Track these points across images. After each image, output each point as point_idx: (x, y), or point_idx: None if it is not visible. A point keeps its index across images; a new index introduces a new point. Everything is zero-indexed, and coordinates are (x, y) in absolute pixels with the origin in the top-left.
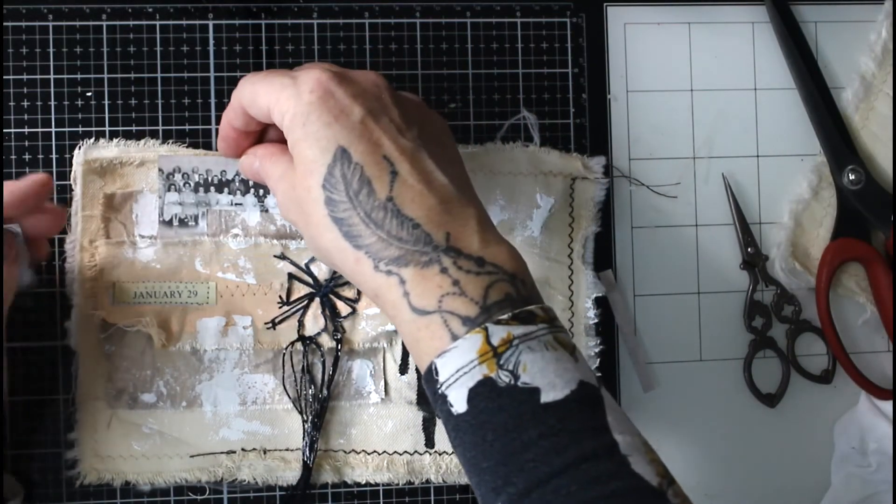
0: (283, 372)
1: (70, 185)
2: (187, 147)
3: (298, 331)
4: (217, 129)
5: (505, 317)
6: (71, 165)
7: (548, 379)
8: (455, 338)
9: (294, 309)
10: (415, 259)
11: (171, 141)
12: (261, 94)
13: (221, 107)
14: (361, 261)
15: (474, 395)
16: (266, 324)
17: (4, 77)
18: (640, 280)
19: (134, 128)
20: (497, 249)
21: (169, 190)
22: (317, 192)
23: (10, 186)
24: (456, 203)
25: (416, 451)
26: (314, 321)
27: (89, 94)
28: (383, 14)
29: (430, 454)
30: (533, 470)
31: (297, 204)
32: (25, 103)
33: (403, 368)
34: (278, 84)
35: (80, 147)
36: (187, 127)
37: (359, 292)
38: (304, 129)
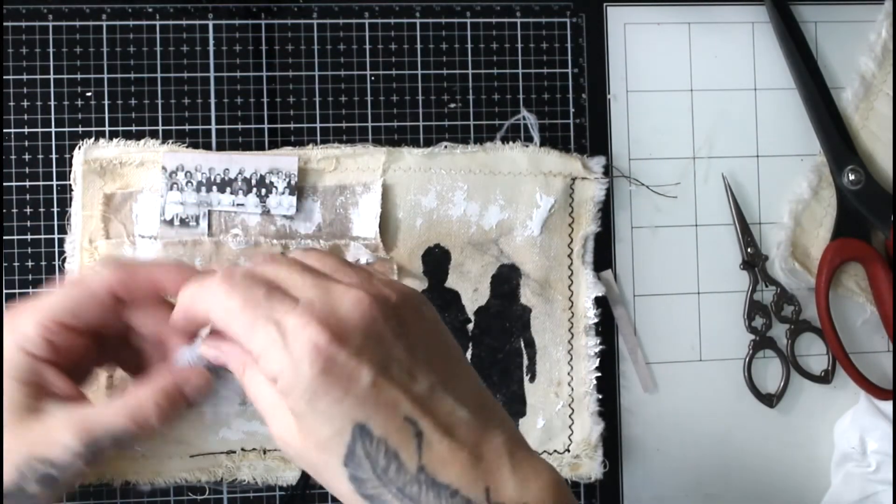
0: None
1: (70, 185)
2: (187, 147)
3: None
4: (217, 129)
5: None
6: (71, 165)
7: None
8: None
9: None
10: None
11: (171, 141)
12: (237, 331)
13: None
14: None
15: None
16: None
17: (4, 77)
18: (640, 280)
19: (134, 128)
20: (537, 482)
21: (171, 189)
22: (336, 468)
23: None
24: (484, 440)
25: None
26: None
27: (89, 94)
28: (383, 14)
29: None
30: None
31: (306, 457)
32: (25, 103)
33: None
34: (263, 334)
35: (80, 147)
36: (187, 127)
37: None
38: (309, 405)
